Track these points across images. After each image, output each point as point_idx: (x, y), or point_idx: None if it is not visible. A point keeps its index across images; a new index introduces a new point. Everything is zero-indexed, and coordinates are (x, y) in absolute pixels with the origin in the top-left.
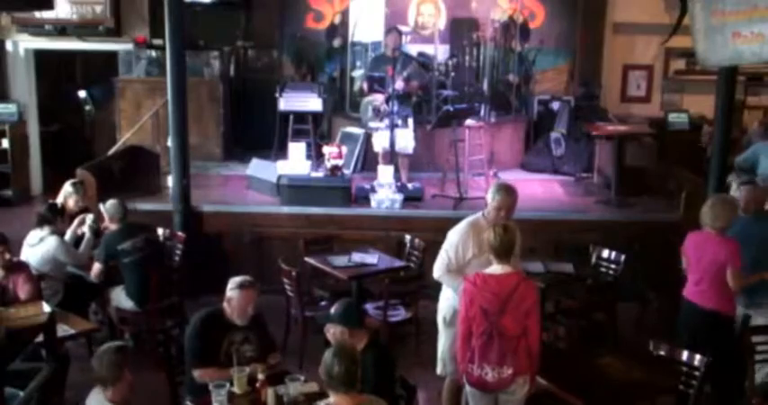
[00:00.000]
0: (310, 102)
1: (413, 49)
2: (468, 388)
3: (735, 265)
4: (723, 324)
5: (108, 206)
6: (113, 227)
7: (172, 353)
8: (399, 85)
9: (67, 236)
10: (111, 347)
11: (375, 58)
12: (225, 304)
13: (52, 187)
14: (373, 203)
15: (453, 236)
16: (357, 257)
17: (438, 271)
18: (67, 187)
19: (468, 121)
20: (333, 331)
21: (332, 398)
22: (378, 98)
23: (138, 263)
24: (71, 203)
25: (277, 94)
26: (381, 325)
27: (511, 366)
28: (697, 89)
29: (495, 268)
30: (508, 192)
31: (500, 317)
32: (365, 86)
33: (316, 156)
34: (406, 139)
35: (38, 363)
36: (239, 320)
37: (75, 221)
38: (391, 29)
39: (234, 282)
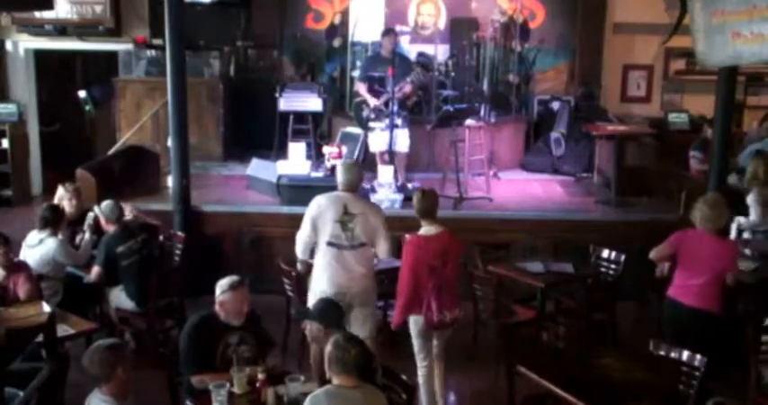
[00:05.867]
0: (310, 102)
1: (413, 49)
2: (417, 330)
3: (735, 269)
4: (709, 322)
5: (103, 207)
6: (110, 229)
7: (172, 353)
8: (401, 89)
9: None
10: (102, 345)
11: (370, 58)
12: (217, 308)
13: (52, 187)
14: None
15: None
16: None
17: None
18: (59, 190)
19: (468, 121)
20: (309, 327)
21: (336, 380)
22: (372, 99)
23: (136, 265)
24: (66, 206)
25: (277, 94)
26: (381, 325)
27: (457, 306)
28: (697, 89)
29: (429, 229)
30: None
31: (444, 269)
32: (363, 87)
33: (316, 156)
34: (403, 139)
35: (38, 363)
36: (235, 321)
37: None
38: (388, 31)
39: (223, 284)
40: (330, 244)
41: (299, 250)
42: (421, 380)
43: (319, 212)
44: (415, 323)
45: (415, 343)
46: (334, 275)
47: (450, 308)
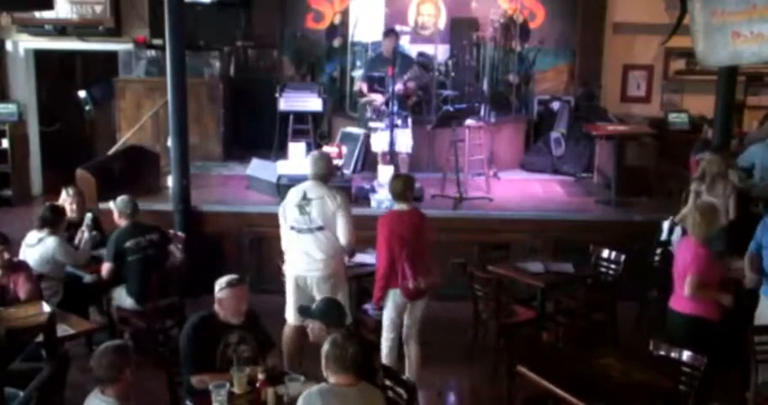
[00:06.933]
0: (310, 102)
1: (413, 49)
2: (393, 303)
3: (693, 272)
4: (704, 328)
5: (118, 202)
6: (122, 224)
7: (171, 353)
8: (399, 87)
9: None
10: (110, 347)
11: (373, 59)
12: (216, 307)
13: (52, 187)
14: (373, 203)
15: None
16: (357, 257)
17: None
18: (62, 194)
19: (468, 121)
20: (311, 326)
21: (333, 379)
22: (377, 99)
23: (141, 262)
24: (67, 210)
25: (277, 94)
26: (377, 325)
27: (430, 274)
28: (697, 89)
29: (402, 207)
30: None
31: (415, 242)
32: (365, 87)
33: None
34: (405, 140)
35: (38, 363)
36: (234, 319)
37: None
38: (389, 32)
39: (222, 282)
40: (292, 228)
41: (282, 243)
42: (385, 351)
43: (287, 201)
44: (393, 296)
45: (387, 317)
46: (294, 259)
47: (424, 275)
